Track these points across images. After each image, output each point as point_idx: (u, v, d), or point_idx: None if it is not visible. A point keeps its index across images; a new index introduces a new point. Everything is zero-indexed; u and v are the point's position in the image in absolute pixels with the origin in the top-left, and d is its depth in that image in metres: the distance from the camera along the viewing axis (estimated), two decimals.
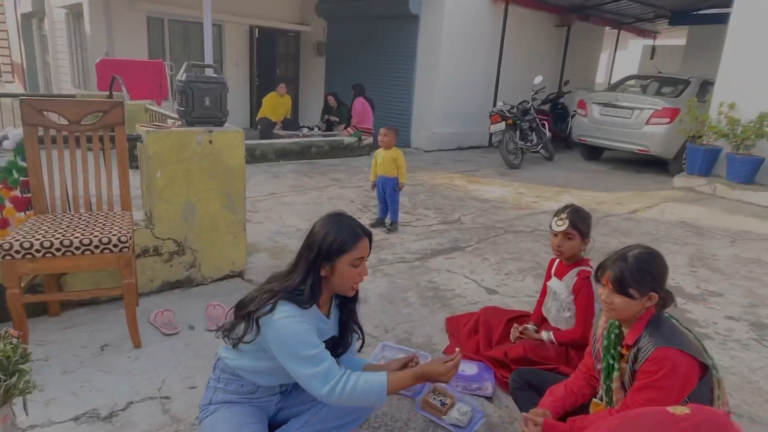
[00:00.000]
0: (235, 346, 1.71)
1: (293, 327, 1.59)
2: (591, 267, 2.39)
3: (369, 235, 1.73)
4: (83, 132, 2.63)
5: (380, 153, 4.52)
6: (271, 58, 12.12)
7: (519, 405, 2.09)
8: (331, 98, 9.29)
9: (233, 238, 3.31)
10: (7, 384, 1.62)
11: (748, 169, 6.72)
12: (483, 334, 2.63)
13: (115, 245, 2.34)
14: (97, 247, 2.31)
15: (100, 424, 2.01)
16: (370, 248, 1.74)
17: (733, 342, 2.96)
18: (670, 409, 1.06)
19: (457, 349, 1.68)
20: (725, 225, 5.43)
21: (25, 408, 1.87)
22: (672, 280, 3.80)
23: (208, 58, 6.65)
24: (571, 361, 2.36)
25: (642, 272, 1.65)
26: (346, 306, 1.85)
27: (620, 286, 1.66)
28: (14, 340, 1.67)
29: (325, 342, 1.76)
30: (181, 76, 3.03)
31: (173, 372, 2.35)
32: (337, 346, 1.87)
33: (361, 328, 1.94)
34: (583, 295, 2.35)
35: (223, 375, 1.80)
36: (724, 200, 6.63)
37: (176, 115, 3.20)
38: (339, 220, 1.71)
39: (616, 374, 1.79)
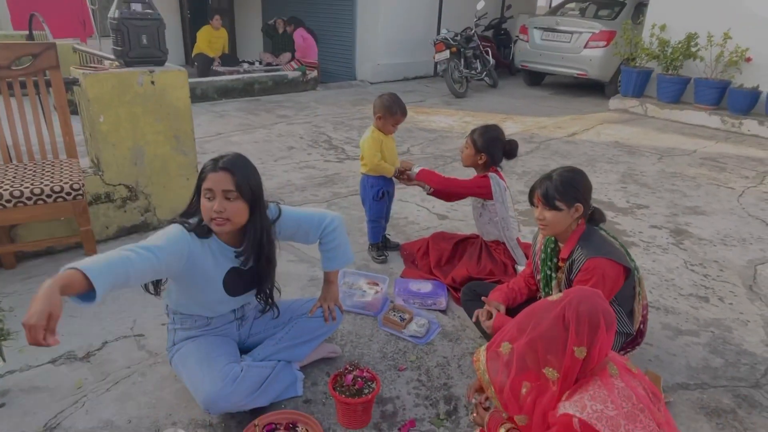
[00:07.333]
0: (157, 292, 1.79)
1: (163, 228, 1.69)
2: (493, 174, 2.64)
3: (227, 169, 1.63)
4: (15, 77, 2.51)
5: (386, 140, 2.87)
6: None
7: (469, 314, 2.33)
8: (279, 22, 8.84)
9: (186, 180, 3.30)
10: None
11: (676, 89, 7.12)
12: (434, 257, 2.85)
13: (68, 193, 2.33)
14: (49, 196, 2.29)
15: (79, 363, 2.10)
16: (236, 185, 1.63)
17: (655, 247, 3.33)
18: (549, 298, 1.30)
19: None
20: (654, 143, 5.83)
21: (1, 354, 1.93)
22: (605, 196, 4.14)
23: None
24: (511, 274, 2.62)
25: (565, 185, 1.86)
26: (258, 252, 1.78)
27: (547, 200, 1.87)
28: None
29: (228, 273, 1.77)
30: (114, 12, 2.88)
31: (143, 312, 2.43)
32: (246, 283, 1.85)
33: (271, 292, 1.90)
34: (469, 181, 2.69)
35: (176, 317, 1.89)
36: (655, 120, 7.05)
37: (112, 56, 3.06)
38: (225, 154, 1.71)
39: (554, 282, 2.03)
